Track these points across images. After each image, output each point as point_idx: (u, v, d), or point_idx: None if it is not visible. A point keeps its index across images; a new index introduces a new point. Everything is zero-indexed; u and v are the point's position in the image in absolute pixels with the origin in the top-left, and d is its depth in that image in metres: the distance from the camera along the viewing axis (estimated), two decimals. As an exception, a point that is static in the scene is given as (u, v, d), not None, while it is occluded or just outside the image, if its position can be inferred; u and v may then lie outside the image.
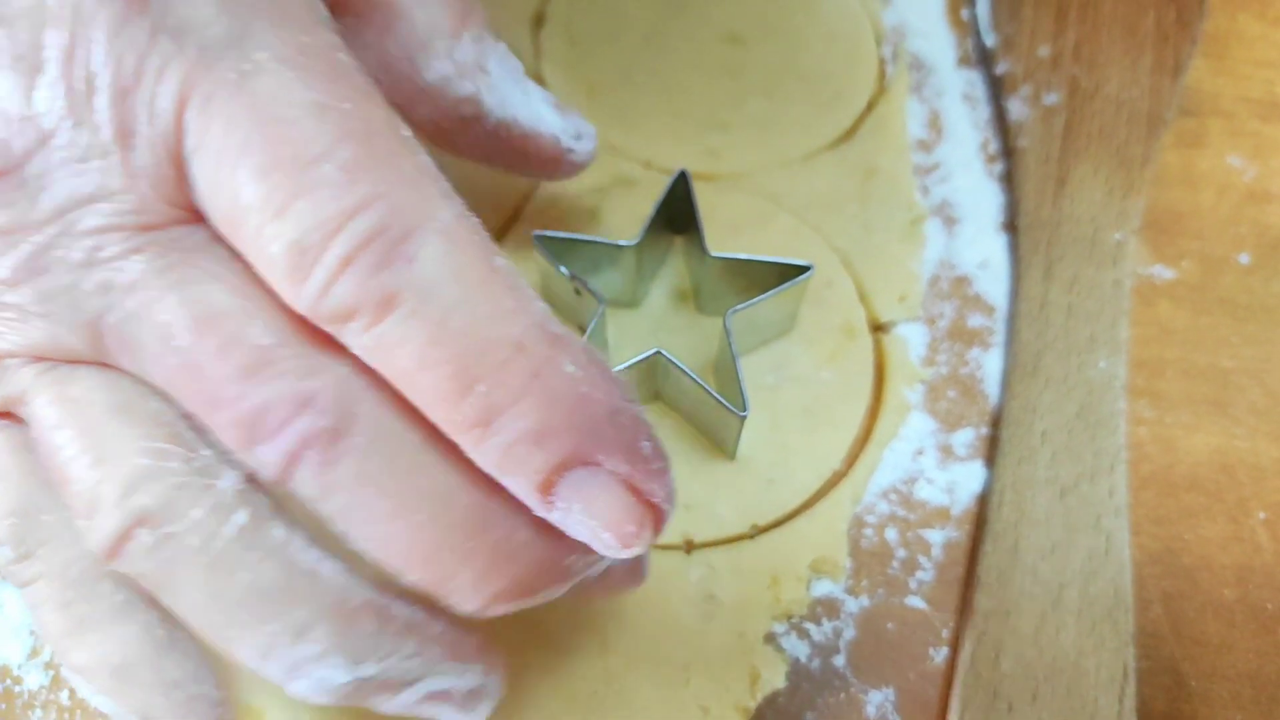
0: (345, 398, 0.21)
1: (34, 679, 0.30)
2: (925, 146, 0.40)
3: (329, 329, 0.22)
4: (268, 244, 0.21)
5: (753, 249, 0.35)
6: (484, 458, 0.22)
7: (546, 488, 0.22)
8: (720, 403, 0.30)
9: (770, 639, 0.30)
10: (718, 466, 0.32)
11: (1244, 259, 0.37)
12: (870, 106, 0.40)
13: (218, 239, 0.22)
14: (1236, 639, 0.31)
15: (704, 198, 0.35)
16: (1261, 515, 0.33)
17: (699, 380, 0.31)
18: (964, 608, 0.31)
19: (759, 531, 0.32)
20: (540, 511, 0.22)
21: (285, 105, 0.21)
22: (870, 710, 0.30)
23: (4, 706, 0.29)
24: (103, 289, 0.22)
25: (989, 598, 0.31)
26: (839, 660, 0.30)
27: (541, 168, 0.31)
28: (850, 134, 0.39)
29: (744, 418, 0.30)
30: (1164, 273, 0.37)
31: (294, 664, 0.23)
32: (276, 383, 0.21)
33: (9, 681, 0.30)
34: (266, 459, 0.22)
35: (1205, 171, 0.39)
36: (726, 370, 0.32)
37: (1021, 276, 0.36)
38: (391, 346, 0.21)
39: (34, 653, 0.30)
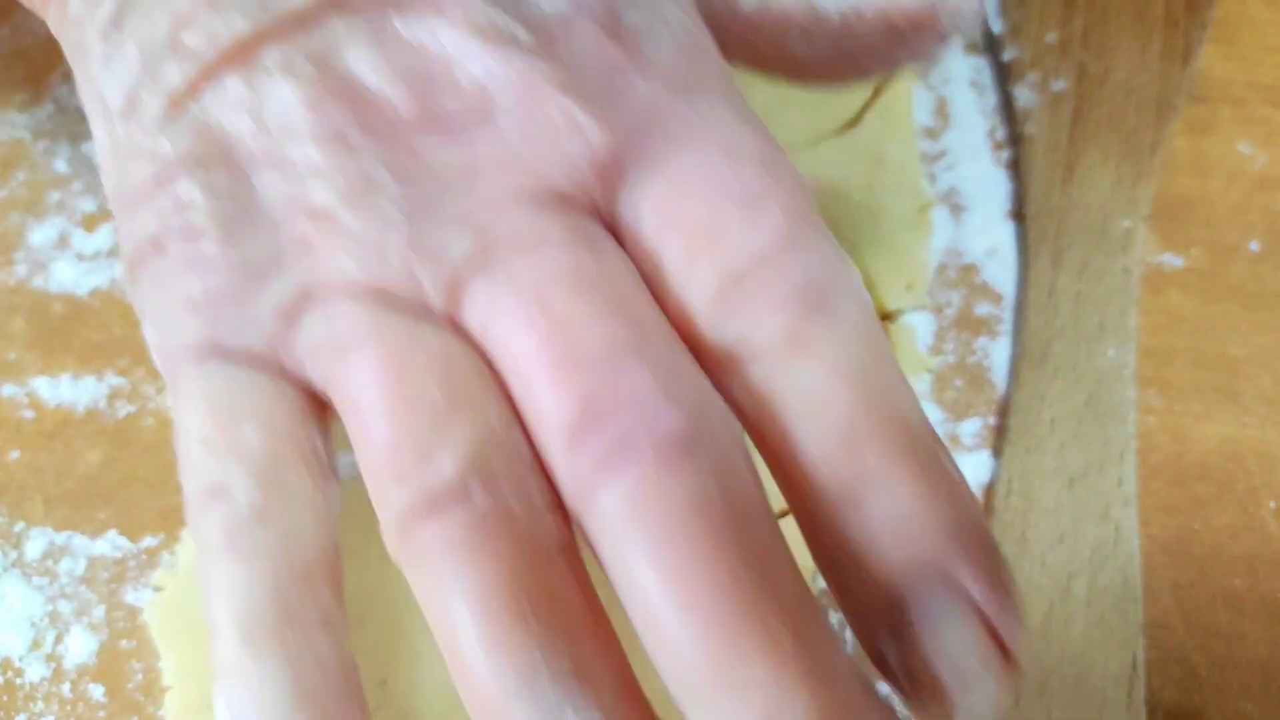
0: (703, 407, 0.20)
1: (35, 671, 0.29)
2: (932, 133, 0.40)
3: (727, 368, 0.21)
4: (701, 270, 0.21)
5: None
6: (842, 557, 0.19)
7: (898, 612, 0.19)
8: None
9: (776, 630, 0.30)
10: (723, 456, 0.32)
11: (1254, 246, 0.37)
12: (876, 93, 0.40)
13: (608, 234, 0.22)
14: (1247, 629, 0.31)
15: (708, 185, 0.35)
16: (1272, 504, 0.32)
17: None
18: (971, 598, 0.31)
19: (765, 521, 0.31)
20: (879, 643, 0.19)
21: (741, 147, 0.22)
22: (877, 701, 0.29)
23: (5, 699, 0.29)
24: (478, 238, 0.21)
25: (997, 588, 0.30)
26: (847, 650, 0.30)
27: (916, 45, 0.26)
28: (856, 120, 0.39)
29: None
30: (1173, 260, 0.37)
31: None
32: (648, 368, 0.20)
33: (10, 674, 0.29)
34: (592, 447, 0.19)
35: (1215, 158, 0.39)
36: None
37: (1030, 264, 0.36)
38: (787, 394, 0.20)
39: (35, 645, 0.30)
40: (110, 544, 0.31)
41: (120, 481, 0.32)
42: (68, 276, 0.35)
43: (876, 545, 0.19)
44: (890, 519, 0.19)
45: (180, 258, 0.22)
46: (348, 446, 0.30)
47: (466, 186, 0.22)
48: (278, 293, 0.22)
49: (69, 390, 0.33)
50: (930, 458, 0.20)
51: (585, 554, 0.21)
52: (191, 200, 0.22)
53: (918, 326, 0.35)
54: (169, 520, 0.31)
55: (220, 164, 0.22)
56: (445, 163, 0.22)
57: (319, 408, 0.23)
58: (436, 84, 0.22)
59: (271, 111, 0.22)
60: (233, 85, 0.22)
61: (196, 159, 0.22)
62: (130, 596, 0.31)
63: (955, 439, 0.33)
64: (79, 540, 0.31)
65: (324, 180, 0.22)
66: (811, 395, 0.20)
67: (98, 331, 0.34)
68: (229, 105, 0.22)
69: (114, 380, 0.33)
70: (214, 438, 0.22)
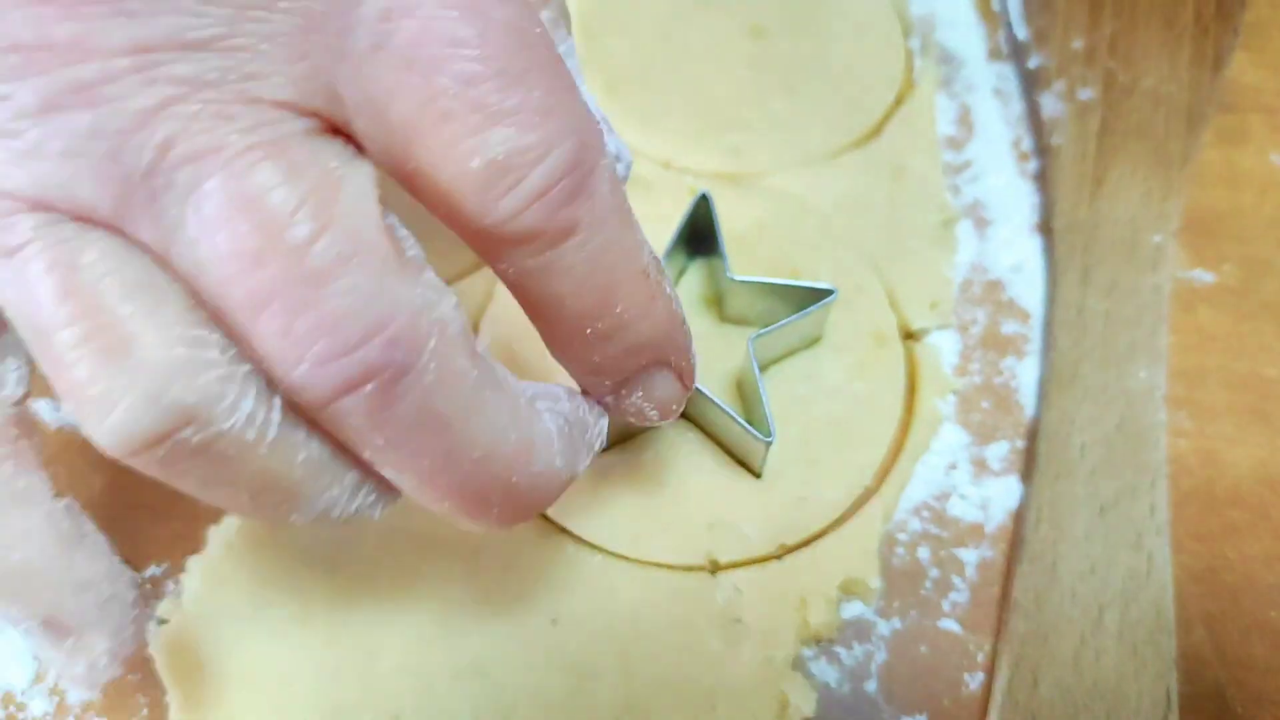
0: (418, 330, 0.20)
1: (38, 705, 0.29)
2: (955, 144, 0.39)
3: (496, 249, 0.21)
4: (464, 156, 0.20)
5: (778, 253, 0.34)
6: (589, 364, 0.24)
7: (626, 383, 0.25)
8: (745, 429, 0.29)
9: (799, 664, 0.29)
10: (744, 484, 0.31)
11: (1287, 261, 0.36)
12: (898, 102, 0.39)
13: (319, 134, 0.20)
14: (1284, 663, 0.30)
15: (726, 201, 0.34)
16: (1308, 533, 0.32)
17: (725, 408, 0.29)
18: (1000, 630, 0.30)
19: (787, 551, 0.30)
20: (604, 396, 0.25)
21: (489, 19, 0.20)
22: (903, 739, 0.29)
23: (7, 734, 0.28)
24: (160, 147, 0.19)
25: (1026, 621, 0.30)
26: (870, 686, 0.29)
27: None
28: (877, 131, 0.38)
29: (769, 444, 0.29)
30: (1204, 277, 0.36)
31: (354, 515, 0.23)
32: (349, 297, 0.19)
33: (12, 708, 0.29)
34: (313, 380, 0.20)
35: (1246, 170, 0.38)
36: (751, 390, 0.31)
37: (1057, 281, 0.35)
38: (555, 272, 0.22)
39: (38, 678, 0.29)
40: (114, 572, 0.30)
41: (124, 507, 0.31)
42: (69, 293, 0.34)
43: (619, 363, 0.24)
44: (634, 346, 0.24)
45: None
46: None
47: (140, 78, 0.19)
48: None
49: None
50: (658, 291, 0.24)
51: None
52: None
53: (942, 347, 0.34)
54: (174, 548, 0.31)
55: None
56: (112, 41, 0.19)
57: None
58: None
59: None
60: None
61: None
62: (135, 627, 0.30)
63: (982, 463, 0.32)
64: (82, 568, 0.30)
65: None
66: (569, 278, 0.22)
67: (100, 351, 0.33)
68: None
69: (117, 402, 0.32)
70: None
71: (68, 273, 0.20)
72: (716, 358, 0.33)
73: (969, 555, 0.31)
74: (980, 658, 0.30)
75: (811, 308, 0.31)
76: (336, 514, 0.23)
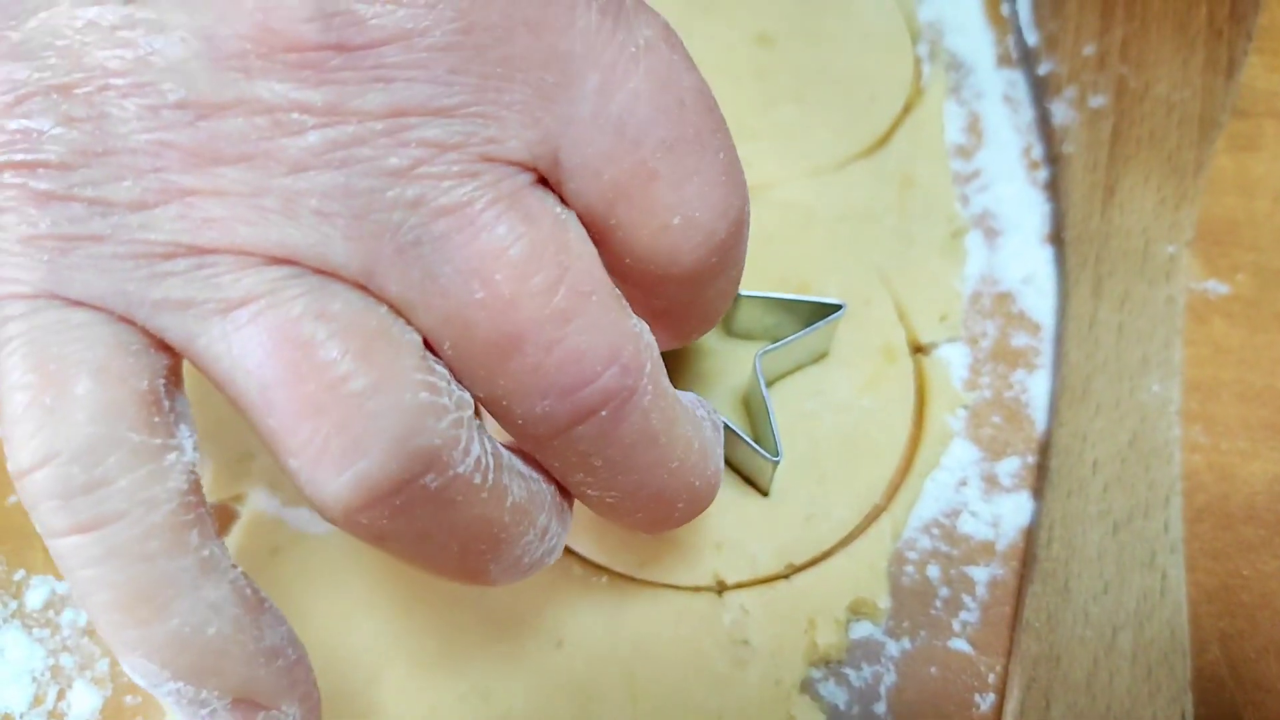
0: (640, 355, 0.22)
1: (37, 729, 0.28)
2: (964, 152, 0.38)
3: (669, 289, 0.23)
4: (666, 213, 0.22)
5: (785, 266, 0.34)
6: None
7: None
8: (753, 448, 0.29)
9: (807, 686, 0.29)
10: (751, 502, 0.31)
11: (1303, 271, 0.35)
12: (906, 109, 0.38)
13: (538, 184, 0.21)
14: (1300, 684, 0.29)
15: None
16: (1325, 550, 0.31)
17: (732, 426, 0.29)
18: (1011, 651, 0.30)
19: (795, 571, 0.30)
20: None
21: (682, 86, 0.22)
22: (913, 762, 0.28)
23: (6, 758, 0.28)
24: (411, 205, 0.20)
25: (1038, 642, 0.29)
26: (879, 708, 0.29)
27: None
28: (885, 140, 0.37)
29: (777, 463, 0.29)
30: (1218, 287, 0.35)
31: (536, 563, 0.24)
32: (589, 333, 0.21)
33: (11, 732, 0.28)
34: (555, 411, 0.21)
35: (1261, 177, 0.37)
36: (758, 407, 0.30)
37: (1069, 293, 0.34)
38: (703, 299, 0.25)
39: (37, 700, 0.29)
40: (114, 593, 0.30)
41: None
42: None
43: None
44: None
45: (19, 188, 0.20)
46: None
47: (392, 140, 0.20)
48: (142, 242, 0.20)
49: (70, 429, 0.32)
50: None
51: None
52: (41, 128, 0.20)
53: (952, 360, 0.34)
54: (174, 568, 0.30)
55: (80, 93, 0.19)
56: (367, 105, 0.20)
57: (167, 354, 0.21)
58: (343, 14, 0.19)
59: (151, 38, 0.19)
60: (110, 5, 0.19)
61: (52, 85, 0.19)
62: (135, 649, 0.29)
63: (993, 480, 0.32)
64: (81, 589, 0.30)
65: (210, 121, 0.19)
66: (716, 297, 0.25)
67: (99, 367, 0.33)
68: (98, 31, 0.19)
69: (116, 419, 0.32)
70: (39, 388, 0.20)
71: (310, 324, 0.20)
72: (723, 374, 0.32)
73: (979, 574, 0.31)
74: (991, 679, 0.29)
75: (820, 323, 0.31)
76: (526, 562, 0.23)
